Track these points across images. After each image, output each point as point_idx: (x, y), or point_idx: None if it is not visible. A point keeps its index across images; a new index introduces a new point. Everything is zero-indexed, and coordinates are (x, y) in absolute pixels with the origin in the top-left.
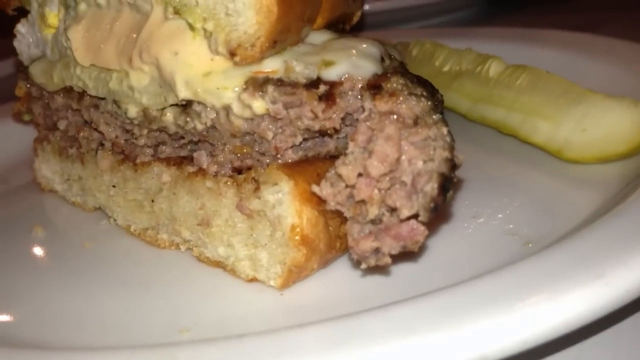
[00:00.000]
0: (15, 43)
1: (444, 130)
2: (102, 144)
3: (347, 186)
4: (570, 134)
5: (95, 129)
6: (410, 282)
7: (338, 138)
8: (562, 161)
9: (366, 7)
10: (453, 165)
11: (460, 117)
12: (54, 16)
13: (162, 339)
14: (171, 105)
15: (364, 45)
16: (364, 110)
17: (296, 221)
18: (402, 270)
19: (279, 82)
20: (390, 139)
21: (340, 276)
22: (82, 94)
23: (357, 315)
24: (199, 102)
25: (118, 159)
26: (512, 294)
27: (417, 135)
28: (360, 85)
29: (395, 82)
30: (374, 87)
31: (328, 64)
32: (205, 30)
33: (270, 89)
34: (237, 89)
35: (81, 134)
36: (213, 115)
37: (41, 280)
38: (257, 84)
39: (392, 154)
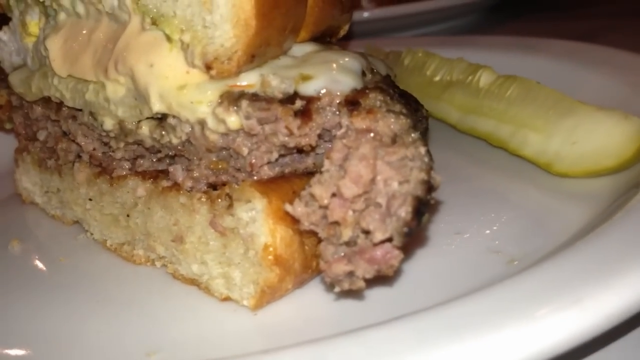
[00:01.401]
0: None
1: (422, 150)
2: (79, 156)
3: (321, 206)
4: (560, 146)
5: (74, 141)
6: (388, 303)
7: (316, 154)
8: (552, 175)
9: (365, 14)
10: (429, 187)
11: (451, 127)
12: (34, 24)
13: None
14: (147, 118)
15: (346, 59)
16: (341, 126)
17: (269, 240)
18: (380, 290)
19: (254, 97)
20: (364, 159)
21: (316, 297)
22: (60, 104)
23: (332, 338)
24: (174, 116)
25: (95, 171)
26: (486, 318)
27: (394, 155)
28: (338, 101)
29: (374, 99)
30: (352, 103)
31: (306, 78)
32: (182, 42)
33: (244, 104)
34: (211, 103)
35: (59, 145)
36: (188, 129)
37: (11, 297)
38: (232, 99)
39: (366, 174)
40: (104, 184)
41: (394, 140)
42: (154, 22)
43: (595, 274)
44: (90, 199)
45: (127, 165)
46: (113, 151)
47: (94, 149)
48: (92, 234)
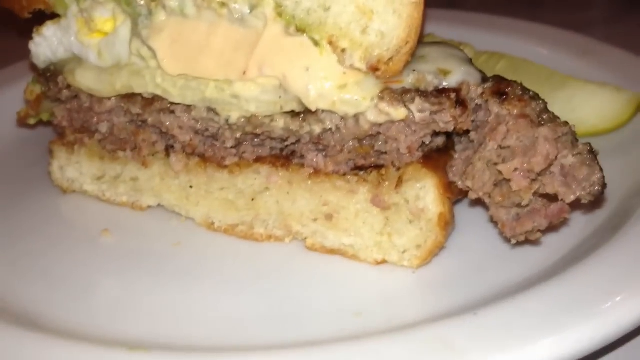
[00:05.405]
0: (32, 46)
1: (570, 126)
2: (171, 147)
3: (490, 177)
4: (560, 113)
5: (163, 132)
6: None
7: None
8: None
9: None
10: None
11: None
12: (104, 21)
13: (341, 324)
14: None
15: (459, 52)
16: (490, 113)
17: (442, 210)
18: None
19: (420, 92)
20: (547, 140)
21: (459, 250)
22: (152, 99)
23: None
24: (323, 110)
25: (195, 161)
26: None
27: (555, 133)
28: (481, 91)
29: (517, 88)
30: (499, 93)
31: (446, 72)
32: (335, 46)
33: (417, 100)
34: (374, 99)
35: (140, 137)
36: (339, 120)
37: (156, 292)
38: (396, 94)
39: (552, 152)
40: (217, 172)
41: (540, 121)
42: (299, 29)
43: None
44: (191, 186)
45: (233, 152)
46: (223, 142)
47: (191, 139)
48: (191, 218)
